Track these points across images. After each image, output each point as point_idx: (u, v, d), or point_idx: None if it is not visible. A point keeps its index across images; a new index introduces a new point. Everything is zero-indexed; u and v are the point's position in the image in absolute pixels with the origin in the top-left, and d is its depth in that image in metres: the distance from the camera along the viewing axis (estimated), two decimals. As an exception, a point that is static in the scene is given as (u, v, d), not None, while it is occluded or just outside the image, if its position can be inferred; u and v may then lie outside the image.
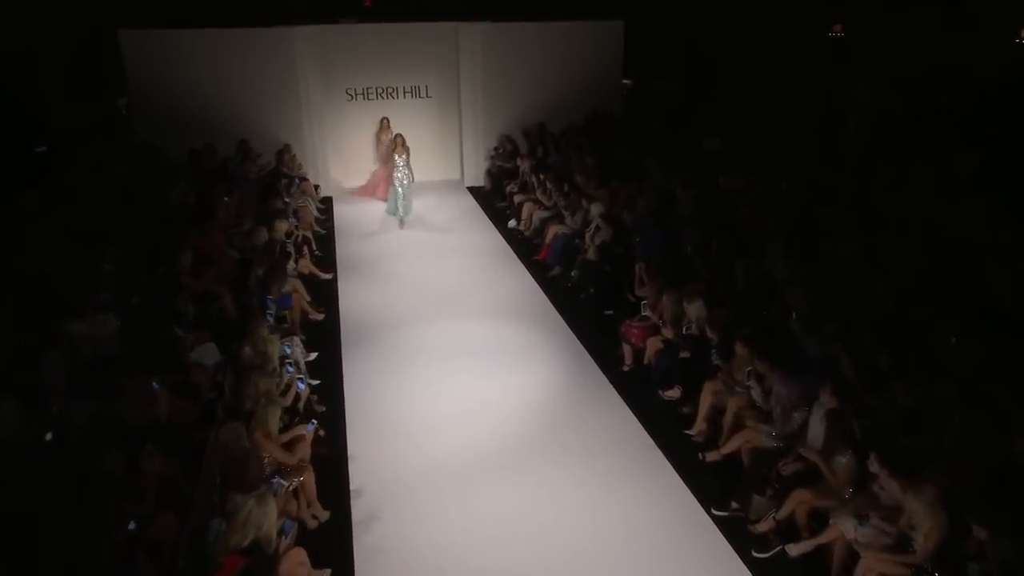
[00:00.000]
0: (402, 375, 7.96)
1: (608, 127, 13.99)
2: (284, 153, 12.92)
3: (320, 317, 9.08)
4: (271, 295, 7.76)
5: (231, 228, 9.88)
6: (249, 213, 10.08)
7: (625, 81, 15.71)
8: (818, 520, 5.49)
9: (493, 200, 14.04)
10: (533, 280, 10.47)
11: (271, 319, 7.29)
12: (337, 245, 11.80)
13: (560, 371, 8.08)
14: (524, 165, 13.06)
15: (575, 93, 14.80)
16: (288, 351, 6.87)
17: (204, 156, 12.15)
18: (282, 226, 9.58)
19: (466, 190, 14.92)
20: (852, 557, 5.06)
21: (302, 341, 8.17)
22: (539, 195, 12.13)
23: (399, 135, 12.41)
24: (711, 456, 6.44)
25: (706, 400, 6.80)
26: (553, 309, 9.69)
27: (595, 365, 8.26)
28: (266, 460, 5.59)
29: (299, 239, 10.23)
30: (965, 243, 7.46)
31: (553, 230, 11.06)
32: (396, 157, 12.23)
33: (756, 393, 6.29)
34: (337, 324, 9.00)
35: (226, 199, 10.01)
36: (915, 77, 12.50)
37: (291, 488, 5.66)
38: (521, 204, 12.44)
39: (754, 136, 11.56)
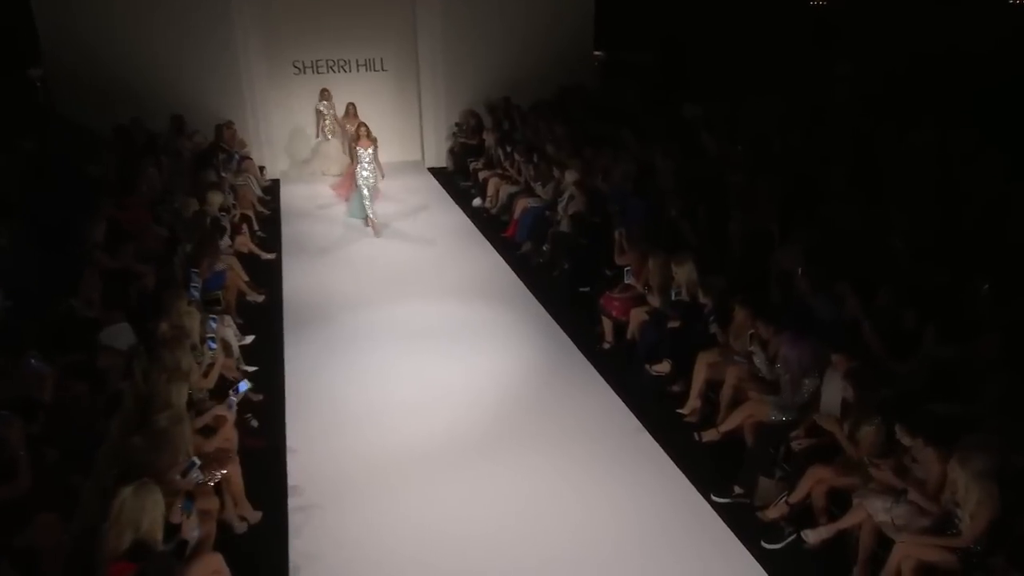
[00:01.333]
0: (352, 360, 7.34)
1: (579, 100, 13.35)
2: (224, 129, 12.11)
3: (260, 299, 8.47)
4: (198, 271, 6.95)
5: (159, 204, 9.03)
6: (180, 190, 9.23)
7: (596, 53, 15.17)
8: (838, 502, 4.84)
9: (456, 180, 13.36)
10: (501, 258, 9.91)
11: (195, 294, 6.49)
12: (283, 227, 11.12)
13: (533, 352, 7.51)
14: (489, 139, 12.44)
15: (543, 66, 14.15)
16: (214, 326, 6.07)
17: (132, 132, 11.25)
18: (216, 198, 8.81)
19: (427, 171, 14.19)
20: (882, 543, 4.40)
21: (237, 324, 7.46)
22: (506, 167, 11.52)
23: (362, 124, 10.61)
24: (708, 436, 5.79)
25: (700, 373, 6.18)
26: (524, 288, 9.08)
27: (572, 344, 7.69)
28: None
29: (237, 217, 9.44)
30: (982, 198, 6.89)
31: (522, 204, 10.44)
32: (360, 150, 10.46)
33: (759, 360, 5.64)
34: (279, 306, 8.45)
35: (152, 168, 9.14)
36: (903, 54, 12.07)
37: (211, 482, 4.87)
38: (487, 180, 11.84)
39: (738, 102, 11.00)
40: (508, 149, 11.54)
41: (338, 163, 13.08)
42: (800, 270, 6.03)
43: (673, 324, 6.66)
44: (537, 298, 8.74)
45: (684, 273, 6.63)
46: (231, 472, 5.02)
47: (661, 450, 5.93)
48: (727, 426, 5.70)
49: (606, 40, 15.04)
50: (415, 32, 13.86)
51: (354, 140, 10.73)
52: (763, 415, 5.48)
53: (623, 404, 6.53)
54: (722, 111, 10.95)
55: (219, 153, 11.05)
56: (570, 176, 9.58)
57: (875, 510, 4.37)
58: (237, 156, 11.65)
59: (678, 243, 7.61)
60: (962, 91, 10.74)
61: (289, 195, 12.76)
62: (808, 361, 5.26)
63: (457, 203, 12.27)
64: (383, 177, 10.92)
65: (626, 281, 7.21)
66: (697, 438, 5.85)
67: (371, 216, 10.69)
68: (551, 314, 8.31)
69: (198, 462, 4.34)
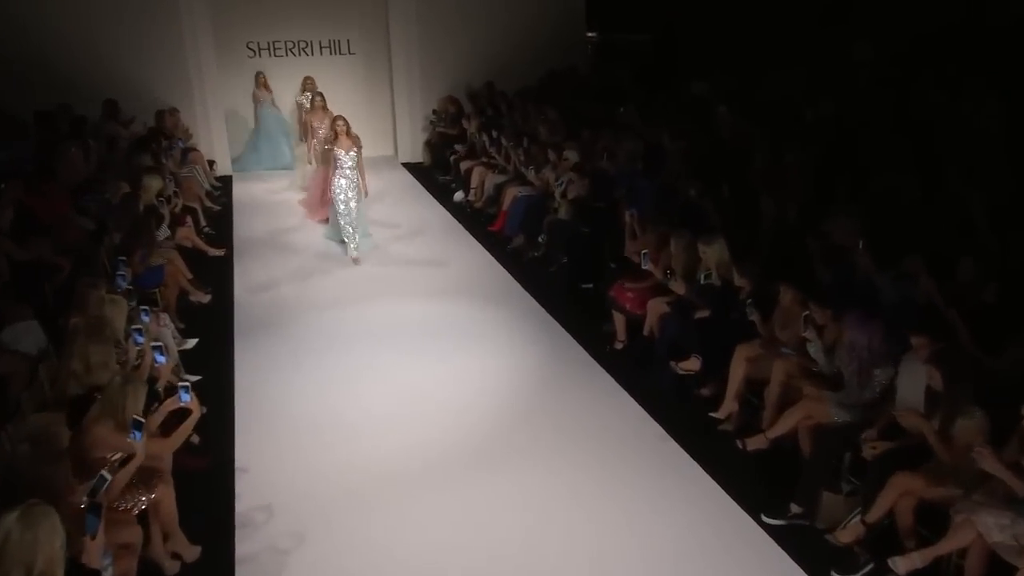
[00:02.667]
0: (314, 367, 6.71)
1: (572, 83, 12.86)
2: (167, 115, 11.41)
3: (205, 299, 7.87)
4: (127, 259, 6.23)
5: (85, 193, 8.28)
6: (111, 178, 8.49)
7: (590, 35, 14.81)
8: (929, 521, 4.16)
9: (435, 175, 12.75)
10: (489, 255, 9.36)
11: (122, 283, 5.76)
12: (236, 224, 10.47)
13: (531, 355, 6.92)
14: (472, 125, 11.86)
15: (530, 49, 13.61)
16: (146, 319, 5.35)
17: (57, 118, 10.49)
18: (153, 183, 8.11)
19: (401, 167, 13.56)
20: (997, 570, 3.72)
21: (179, 328, 6.78)
22: (492, 154, 10.98)
23: (339, 119, 8.80)
24: (754, 444, 5.13)
25: (738, 371, 5.55)
26: (517, 285, 8.51)
27: (577, 345, 7.14)
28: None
29: (179, 207, 8.75)
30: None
31: (511, 194, 9.87)
32: (339, 154, 8.70)
33: (814, 350, 5.00)
34: (229, 308, 7.90)
35: (75, 150, 8.39)
36: (925, 27, 11.65)
37: (134, 509, 4.11)
38: (470, 171, 11.26)
39: (751, 77, 10.53)
40: (494, 134, 10.98)
41: (301, 172, 11.68)
42: (861, 244, 5.41)
43: (701, 314, 6.06)
44: (533, 296, 8.17)
45: (714, 254, 6.05)
46: (161, 496, 4.27)
47: (693, 462, 5.33)
48: (777, 431, 5.03)
49: (599, 21, 14.61)
50: (386, 11, 13.32)
51: (330, 140, 8.99)
52: (823, 416, 4.82)
53: (642, 410, 5.97)
54: (732, 87, 10.46)
55: (160, 140, 10.32)
56: (569, 156, 8.97)
57: (988, 528, 3.69)
58: (181, 144, 10.94)
59: (698, 224, 6.99)
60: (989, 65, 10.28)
61: (243, 192, 12.09)
62: (880, 347, 4.61)
63: (437, 199, 11.67)
64: (367, 194, 9.19)
65: (643, 267, 6.57)
66: (740, 446, 5.18)
67: (351, 244, 8.93)
68: (550, 312, 7.75)
69: (108, 477, 3.57)
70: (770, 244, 6.33)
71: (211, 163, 12.43)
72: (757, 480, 5.05)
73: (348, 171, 8.81)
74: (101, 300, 5.04)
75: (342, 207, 8.85)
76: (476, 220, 10.47)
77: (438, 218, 10.91)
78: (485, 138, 11.20)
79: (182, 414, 4.49)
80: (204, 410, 5.71)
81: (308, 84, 12.11)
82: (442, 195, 11.74)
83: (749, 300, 5.47)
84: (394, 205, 11.35)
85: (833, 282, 5.54)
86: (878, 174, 6.82)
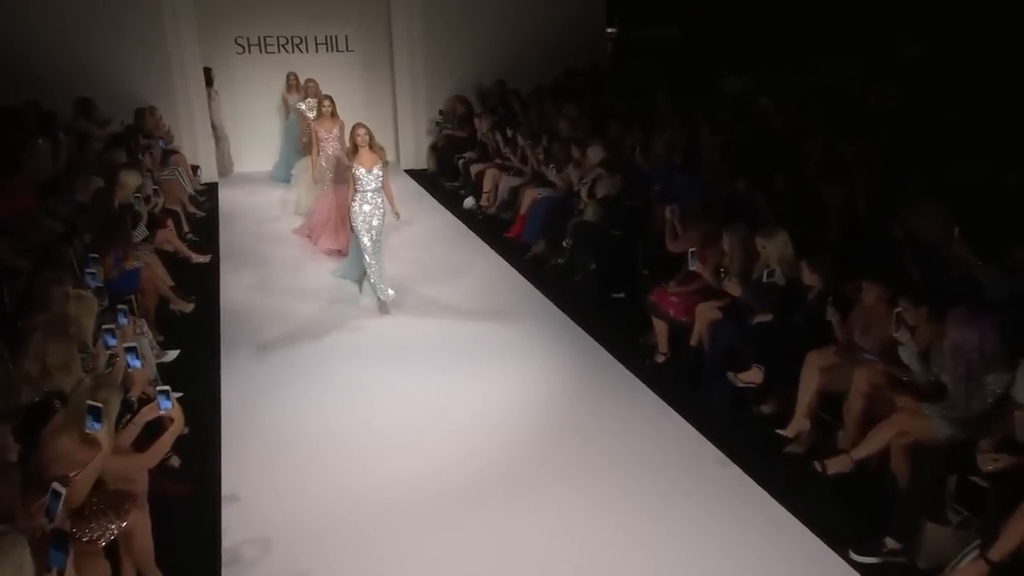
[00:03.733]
0: (312, 383, 6.32)
1: (593, 81, 12.59)
2: (147, 113, 11.13)
3: (188, 308, 7.52)
4: (98, 256, 5.81)
5: (54, 195, 7.87)
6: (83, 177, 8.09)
7: (610, 30, 14.59)
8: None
9: (441, 182, 12.43)
10: (507, 263, 9.01)
11: (91, 282, 5.34)
12: (222, 232, 10.19)
13: (562, 371, 6.52)
14: (484, 124, 11.55)
15: (545, 46, 13.35)
16: (124, 321, 4.92)
17: (24, 115, 10.13)
18: (131, 180, 7.76)
19: (404, 174, 13.20)
20: None
21: (158, 341, 6.38)
22: (507, 155, 10.65)
23: (360, 128, 7.37)
24: (836, 466, 4.65)
25: (810, 382, 5.11)
26: (540, 295, 8.16)
27: (613, 359, 6.78)
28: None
29: (159, 207, 8.44)
30: None
31: (530, 196, 9.52)
32: (359, 172, 7.32)
33: (908, 354, 4.54)
34: (215, 318, 7.55)
35: (43, 142, 8.01)
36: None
37: (102, 540, 3.63)
38: (481, 174, 10.95)
39: (793, 70, 10.24)
40: (509, 133, 10.65)
41: (308, 192, 10.31)
42: (956, 232, 4.98)
43: (762, 318, 5.63)
44: (559, 306, 7.78)
45: (776, 249, 5.64)
46: (134, 525, 3.80)
47: (760, 489, 4.89)
48: (865, 450, 4.55)
49: (622, 16, 14.38)
50: (388, 4, 13.12)
51: (347, 155, 7.64)
52: (922, 432, 4.34)
53: (695, 430, 5.57)
54: (770, 80, 10.18)
55: (138, 137, 9.98)
56: (594, 154, 8.60)
57: None
58: (162, 144, 10.59)
59: (748, 221, 6.58)
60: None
61: (230, 200, 11.75)
62: (993, 349, 4.14)
63: (445, 206, 11.33)
64: (398, 216, 7.81)
65: (691, 267, 6.15)
66: (819, 469, 4.69)
67: (377, 284, 7.52)
68: (579, 324, 7.37)
69: (61, 490, 3.10)
70: (840, 238, 5.88)
71: (195, 168, 12.09)
72: (840, 509, 4.60)
73: (371, 194, 7.34)
74: (65, 296, 4.61)
75: (367, 241, 7.38)
76: (490, 227, 10.13)
77: (448, 226, 10.55)
78: (499, 137, 10.87)
79: (154, 429, 4.05)
80: (186, 430, 5.33)
81: (311, 88, 11.38)
82: (451, 202, 11.39)
83: (830, 298, 5.02)
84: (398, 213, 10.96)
85: (922, 278, 5.09)
86: (956, 162, 6.41)
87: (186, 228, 9.48)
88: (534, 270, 8.66)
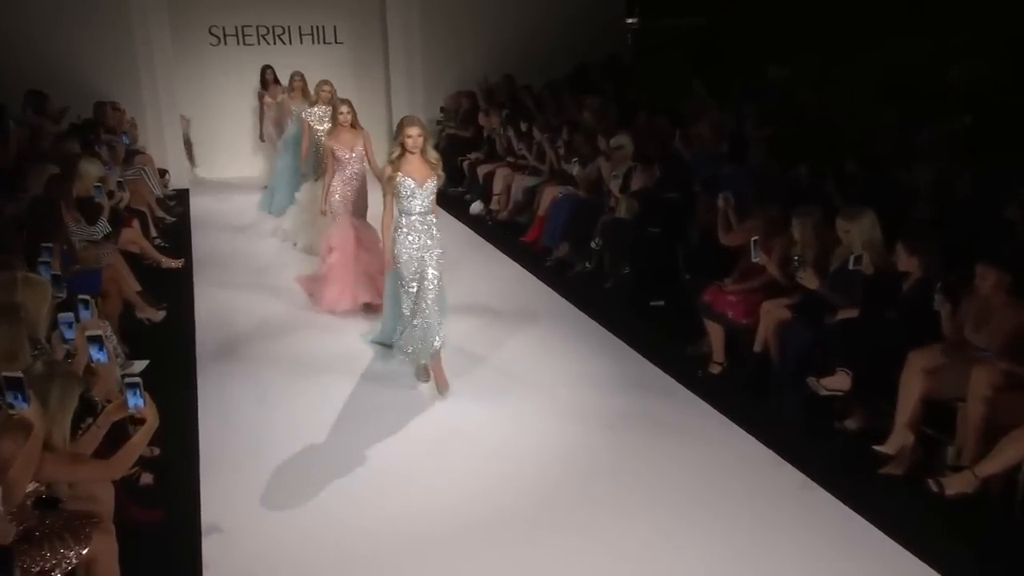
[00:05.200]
0: (302, 401, 5.97)
1: (614, 73, 12.39)
2: (107, 107, 10.83)
3: (158, 316, 7.18)
4: (51, 248, 5.46)
5: (4, 188, 7.52)
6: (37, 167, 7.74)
7: (630, 20, 14.52)
8: None
9: (444, 187, 12.03)
10: (524, 270, 8.75)
11: (44, 272, 4.95)
12: (195, 239, 9.96)
13: (601, 385, 6.18)
14: (492, 120, 11.34)
15: (557, 38, 13.24)
16: (87, 314, 4.56)
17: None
18: (92, 170, 7.47)
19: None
20: None
21: (124, 353, 6.06)
22: (520, 152, 10.42)
23: (413, 126, 5.64)
24: (957, 486, 4.25)
25: (912, 387, 4.72)
26: (567, 303, 7.88)
27: (660, 371, 6.46)
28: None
29: (124, 201, 8.21)
30: None
31: (549, 195, 9.31)
32: (407, 185, 5.63)
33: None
34: (189, 328, 7.28)
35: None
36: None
37: (58, 571, 3.19)
38: (491, 175, 10.73)
39: (848, 53, 10.01)
40: (523, 127, 10.41)
41: (313, 226, 8.93)
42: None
43: (846, 314, 5.27)
44: (589, 315, 7.42)
45: (862, 231, 5.33)
46: (97, 553, 3.37)
47: (856, 515, 4.50)
48: (992, 467, 4.14)
49: (643, 5, 14.26)
50: None
51: (394, 165, 5.63)
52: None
53: (767, 449, 5.20)
54: (816, 65, 9.99)
55: (98, 131, 9.69)
56: (625, 143, 8.27)
57: None
58: (126, 141, 10.29)
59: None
60: None
61: (202, 207, 11.50)
62: None
63: (449, 214, 10.91)
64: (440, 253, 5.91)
65: (753, 259, 5.81)
66: (935, 489, 4.27)
67: (433, 342, 5.83)
68: (615, 333, 7.04)
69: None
70: (936, 221, 5.52)
71: (163, 172, 11.78)
72: (961, 538, 4.19)
73: (420, 217, 5.74)
74: (12, 281, 4.20)
75: (417, 286, 5.76)
76: (503, 232, 9.91)
77: (456, 234, 10.14)
78: (511, 133, 10.62)
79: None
80: (157, 451, 5.06)
81: (324, 92, 9.29)
82: (456, 209, 11.07)
83: (939, 285, 4.64)
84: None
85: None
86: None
87: (154, 233, 9.18)
88: (557, 277, 8.38)
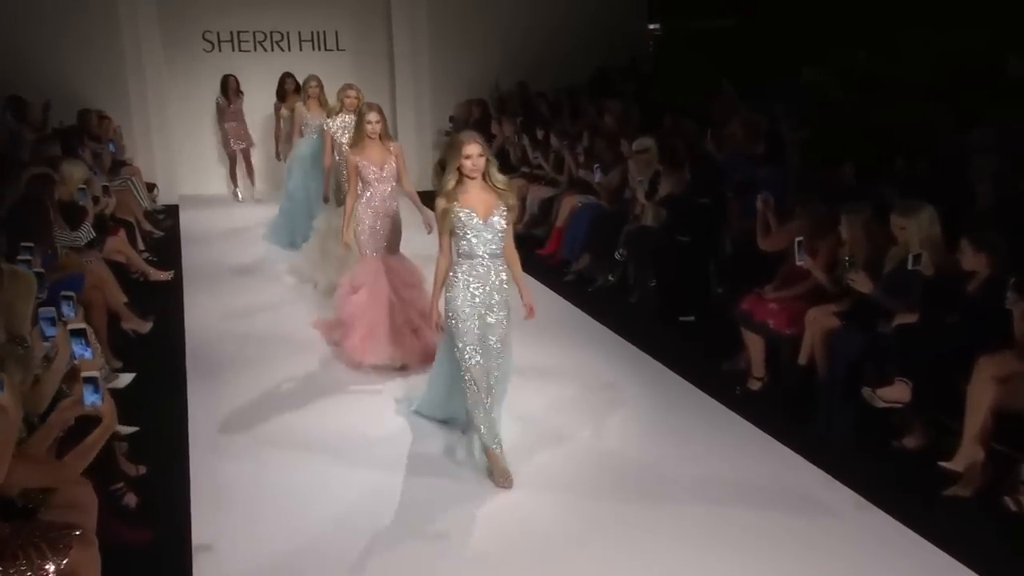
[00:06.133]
0: (300, 421, 5.89)
1: (635, 78, 12.45)
2: (92, 114, 10.90)
3: (145, 328, 7.17)
4: (32, 248, 5.39)
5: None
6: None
7: (652, 27, 14.65)
8: None
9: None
10: (544, 286, 8.52)
11: (29, 271, 4.83)
12: (185, 254, 9.96)
13: (636, 408, 6.04)
14: (506, 128, 11.37)
15: (573, 44, 13.36)
16: (70, 312, 4.49)
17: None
18: (76, 172, 7.47)
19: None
20: None
21: (110, 364, 6.15)
22: (537, 161, 10.41)
23: (472, 143, 4.74)
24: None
25: (982, 397, 4.56)
26: (591, 320, 7.86)
27: (696, 389, 6.34)
28: None
29: (110, 208, 8.25)
30: None
31: (568, 205, 9.28)
32: (468, 219, 4.74)
33: None
34: (179, 342, 7.29)
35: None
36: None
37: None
38: None
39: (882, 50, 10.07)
40: (539, 134, 10.42)
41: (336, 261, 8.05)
42: None
43: (904, 319, 5.13)
44: (615, 332, 7.32)
45: (920, 227, 5.18)
46: (77, 566, 3.22)
47: (922, 539, 4.34)
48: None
49: (664, 9, 14.33)
50: None
51: (445, 201, 4.74)
52: None
53: (817, 468, 5.09)
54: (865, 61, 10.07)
55: (83, 137, 9.74)
56: (650, 144, 8.19)
57: None
58: (111, 149, 10.34)
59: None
60: None
61: (193, 222, 11.49)
62: None
63: (455, 229, 10.91)
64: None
65: (797, 262, 5.70)
66: (1013, 508, 4.11)
67: (485, 438, 4.96)
68: (644, 350, 6.93)
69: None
70: (998, 216, 5.40)
71: (151, 186, 11.77)
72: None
73: (486, 262, 4.81)
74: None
75: (476, 354, 4.86)
76: (517, 247, 9.52)
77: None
78: (526, 142, 10.62)
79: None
80: (143, 470, 5.02)
81: (349, 99, 8.25)
82: (465, 224, 10.99)
83: (1012, 281, 4.50)
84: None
85: None
86: None
87: (141, 246, 9.19)
88: (578, 291, 8.32)
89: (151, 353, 6.81)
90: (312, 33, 13.32)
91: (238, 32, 13.03)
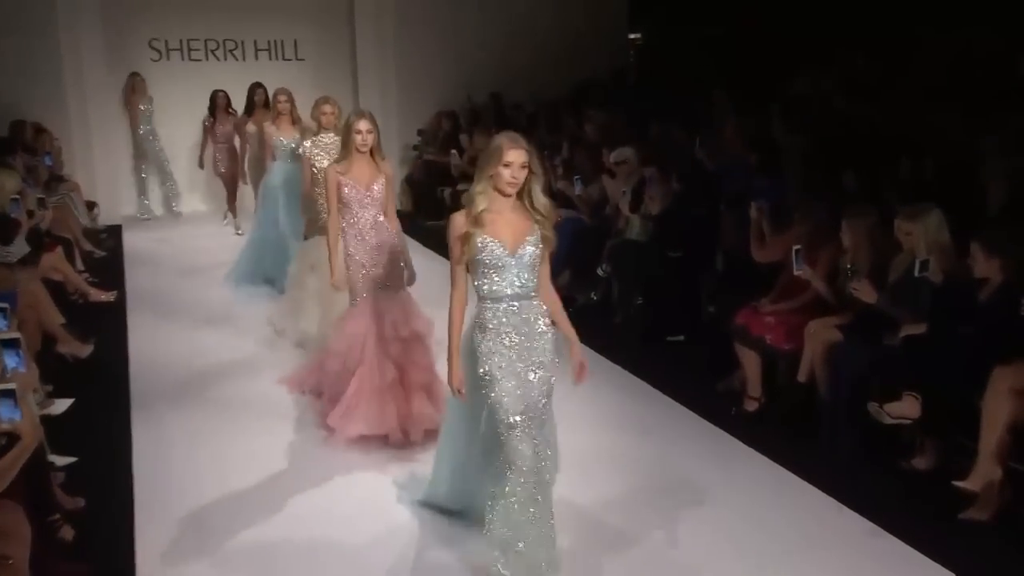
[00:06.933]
0: (255, 452, 5.78)
1: (614, 90, 12.59)
2: (27, 126, 10.88)
3: (84, 352, 7.10)
4: None
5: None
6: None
7: (633, 36, 14.90)
8: None
9: (420, 222, 12.12)
10: None
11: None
12: (128, 276, 9.98)
13: (627, 433, 6.02)
14: (478, 141, 11.29)
15: (550, 55, 13.52)
16: (2, 324, 4.44)
17: None
18: (7, 182, 7.52)
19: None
20: None
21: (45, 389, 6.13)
22: None
23: (515, 148, 3.82)
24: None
25: (999, 411, 4.57)
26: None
27: (690, 412, 6.30)
28: None
29: (46, 222, 8.29)
30: None
31: None
32: (493, 251, 3.90)
33: None
34: (122, 367, 7.26)
35: None
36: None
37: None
38: None
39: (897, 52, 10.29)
40: None
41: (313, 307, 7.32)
42: None
43: (911, 330, 5.16)
44: (599, 352, 7.22)
45: (927, 231, 5.22)
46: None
47: (943, 570, 4.34)
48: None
49: (646, 17, 14.54)
50: (351, 1, 13.28)
51: (466, 224, 3.95)
52: None
53: (823, 494, 5.09)
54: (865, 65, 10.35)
55: (16, 148, 9.75)
56: (628, 155, 8.27)
57: None
58: (48, 162, 10.31)
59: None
60: None
61: (138, 242, 11.57)
62: None
63: (427, 250, 10.82)
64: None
65: (795, 271, 5.76)
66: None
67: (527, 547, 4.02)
68: (633, 372, 6.97)
69: None
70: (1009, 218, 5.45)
71: (91, 205, 11.70)
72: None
73: (517, 306, 4.00)
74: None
75: (519, 430, 3.93)
76: None
77: (438, 274, 10.02)
78: None
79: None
80: (82, 502, 4.94)
81: (324, 114, 7.42)
82: (435, 244, 10.90)
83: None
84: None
85: None
86: None
87: (80, 266, 9.18)
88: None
89: (91, 378, 6.79)
90: (269, 42, 13.44)
91: (188, 40, 13.10)
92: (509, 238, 3.87)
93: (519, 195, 3.90)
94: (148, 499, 5.13)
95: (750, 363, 6.05)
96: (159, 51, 13.01)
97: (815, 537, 4.70)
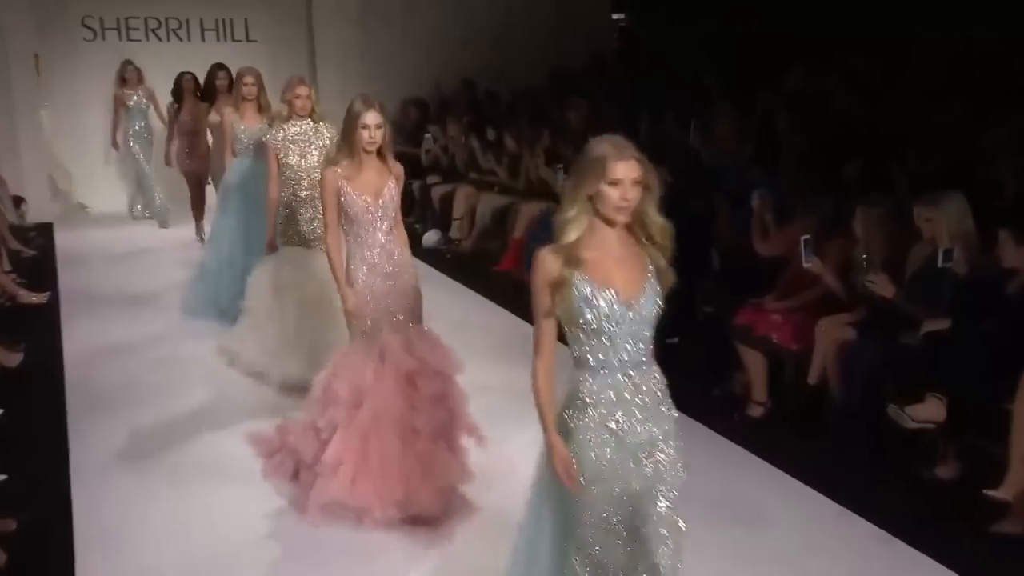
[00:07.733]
0: (208, 471, 5.81)
1: (604, 75, 12.74)
2: None
3: (15, 361, 7.25)
4: None
5: None
6: None
7: (616, 17, 15.07)
8: None
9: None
10: (498, 306, 8.94)
11: None
12: (62, 276, 10.06)
13: None
14: (452, 129, 11.66)
15: (529, 38, 13.73)
16: None
17: None
18: None
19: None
20: None
21: None
22: (489, 165, 10.66)
23: (622, 160, 3.05)
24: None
25: None
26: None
27: (690, 420, 6.17)
28: None
29: None
30: None
31: (526, 215, 9.54)
32: (604, 318, 3.13)
33: None
34: (57, 376, 7.31)
35: None
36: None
37: None
38: (449, 197, 11.10)
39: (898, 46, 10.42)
40: (491, 135, 10.73)
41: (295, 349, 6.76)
42: None
43: (933, 326, 5.22)
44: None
45: (949, 219, 5.30)
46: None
47: (948, 571, 4.54)
48: None
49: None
50: None
51: (556, 262, 3.12)
52: None
53: (832, 501, 5.23)
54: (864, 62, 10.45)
55: None
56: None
57: None
58: None
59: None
60: None
61: (72, 241, 11.63)
62: None
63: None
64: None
65: (804, 264, 5.81)
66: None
67: None
68: None
69: None
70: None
71: (19, 200, 11.68)
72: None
73: (631, 378, 3.20)
74: None
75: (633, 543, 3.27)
76: (468, 264, 10.21)
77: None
78: (475, 143, 10.87)
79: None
80: (14, 524, 4.99)
81: (298, 98, 6.75)
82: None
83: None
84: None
85: None
86: None
87: (8, 267, 9.25)
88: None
89: (22, 388, 6.85)
90: (217, 21, 13.46)
91: (126, 19, 13.09)
92: (622, 283, 3.09)
93: (631, 227, 3.12)
94: (88, 520, 5.12)
95: (754, 365, 6.11)
96: (93, 30, 12.98)
97: (817, 545, 4.81)
